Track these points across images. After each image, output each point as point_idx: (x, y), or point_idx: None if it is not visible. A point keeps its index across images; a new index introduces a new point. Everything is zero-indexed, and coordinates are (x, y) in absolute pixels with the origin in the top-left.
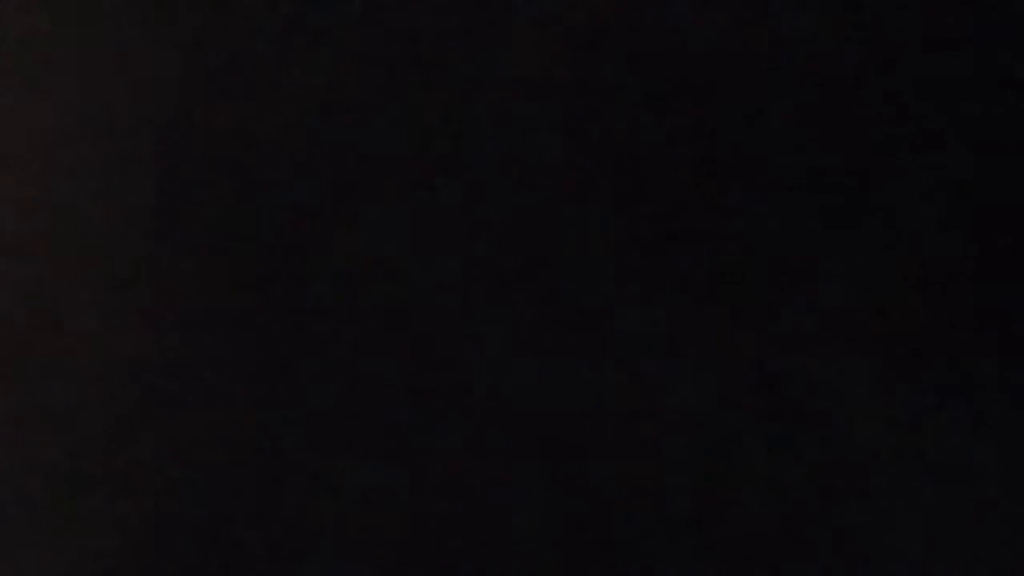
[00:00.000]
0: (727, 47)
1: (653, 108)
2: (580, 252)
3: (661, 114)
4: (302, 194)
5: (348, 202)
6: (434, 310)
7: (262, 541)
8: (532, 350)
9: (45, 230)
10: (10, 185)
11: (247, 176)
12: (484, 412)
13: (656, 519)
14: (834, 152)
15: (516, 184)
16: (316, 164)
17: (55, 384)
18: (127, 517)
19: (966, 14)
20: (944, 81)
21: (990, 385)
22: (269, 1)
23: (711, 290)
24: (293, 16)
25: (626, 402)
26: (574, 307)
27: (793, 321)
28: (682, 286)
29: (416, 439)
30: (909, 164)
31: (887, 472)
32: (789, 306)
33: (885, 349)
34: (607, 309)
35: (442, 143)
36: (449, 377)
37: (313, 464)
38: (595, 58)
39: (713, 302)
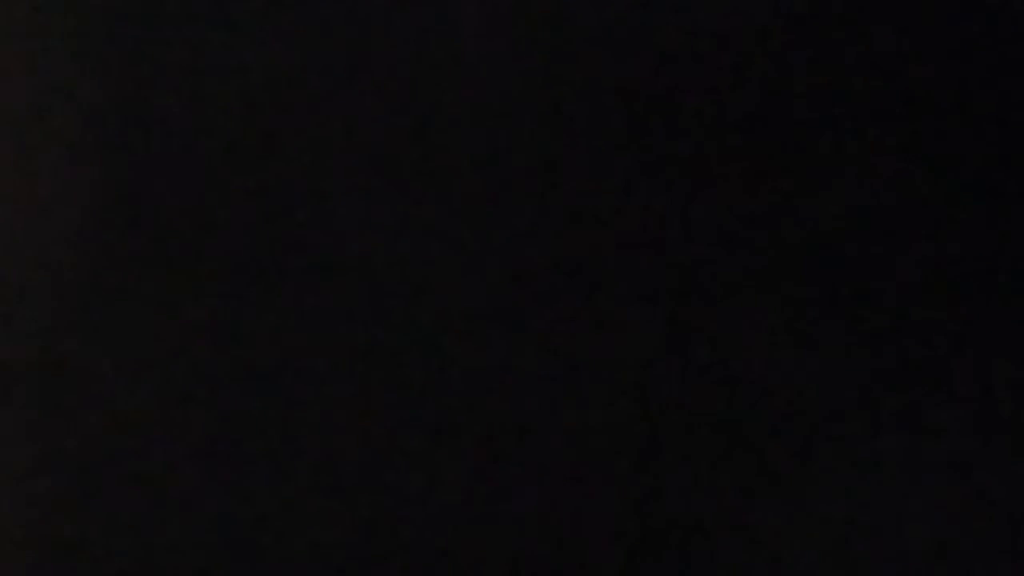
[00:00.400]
0: (705, 46)
1: (628, 107)
2: (558, 251)
3: (639, 113)
4: (268, 193)
5: (319, 200)
6: (408, 309)
7: (235, 544)
8: (515, 351)
9: None
10: None
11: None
12: (462, 410)
13: (650, 518)
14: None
15: (490, 183)
16: (283, 160)
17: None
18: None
19: (969, 14)
20: (929, 82)
21: (976, 385)
22: None
23: (687, 289)
24: (260, 8)
25: (600, 399)
26: (557, 308)
27: (779, 320)
28: (657, 287)
29: (409, 441)
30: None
31: (872, 472)
32: (774, 305)
33: (871, 349)
34: (589, 309)
35: (414, 139)
36: (426, 377)
37: (286, 465)
38: (576, 55)
39: (692, 300)
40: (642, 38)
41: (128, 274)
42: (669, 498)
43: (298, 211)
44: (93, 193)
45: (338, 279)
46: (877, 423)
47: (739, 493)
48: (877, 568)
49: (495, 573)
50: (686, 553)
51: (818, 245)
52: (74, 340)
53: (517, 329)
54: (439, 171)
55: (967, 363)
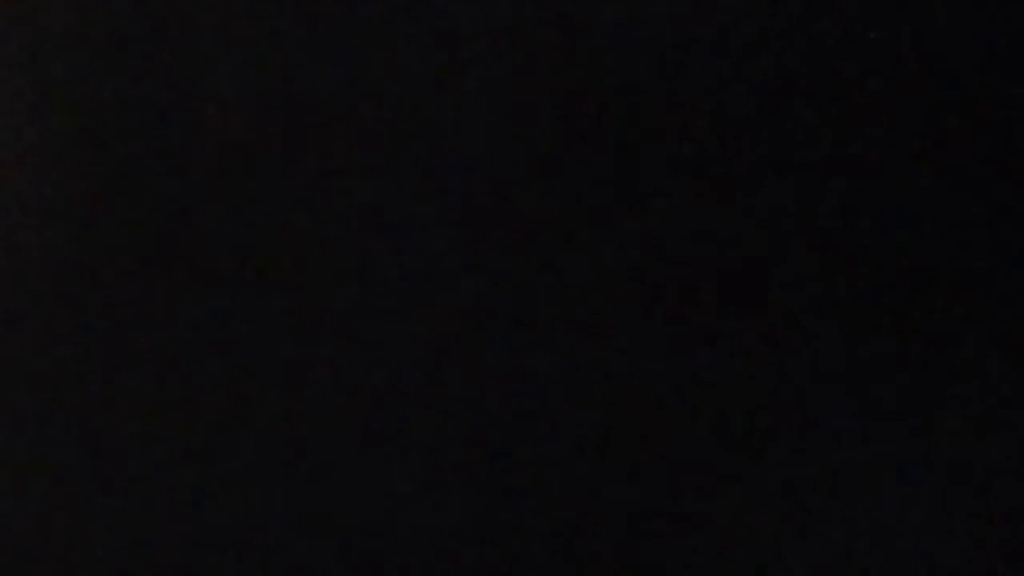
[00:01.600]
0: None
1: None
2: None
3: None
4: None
5: (318, 200)
6: (407, 309)
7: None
8: (514, 351)
9: None
10: None
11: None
12: (461, 409)
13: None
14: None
15: (489, 183)
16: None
17: None
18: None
19: (965, 14)
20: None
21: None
22: None
23: (687, 289)
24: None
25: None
26: (557, 307)
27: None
28: (657, 287)
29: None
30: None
31: (853, 471)
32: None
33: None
34: (589, 308)
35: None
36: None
37: (286, 465)
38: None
39: (692, 301)
40: (642, 38)
41: (128, 273)
42: (669, 498)
43: (297, 211)
44: (92, 192)
45: (337, 278)
46: (877, 423)
47: (739, 493)
48: (876, 568)
49: (494, 573)
50: (685, 553)
51: (818, 244)
52: (74, 339)
53: (516, 329)
54: (439, 171)
55: (967, 363)
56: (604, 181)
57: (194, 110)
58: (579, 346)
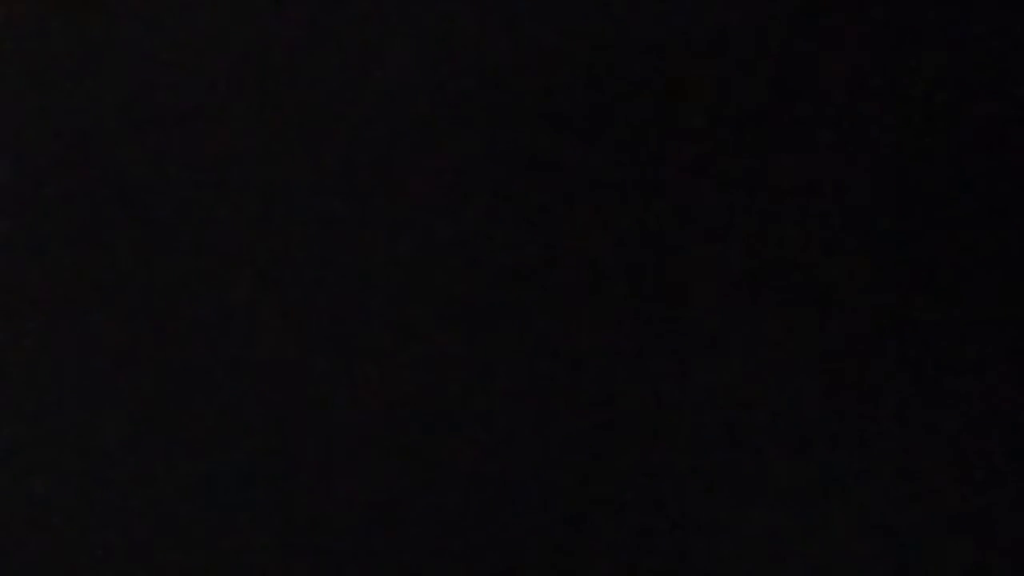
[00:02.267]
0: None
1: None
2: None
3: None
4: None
5: (316, 200)
6: (406, 309)
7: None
8: (514, 350)
9: None
10: None
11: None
12: (460, 409)
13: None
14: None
15: (489, 182)
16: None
17: None
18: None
19: (962, 14)
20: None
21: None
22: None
23: (687, 289)
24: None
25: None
26: (557, 308)
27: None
28: (656, 287)
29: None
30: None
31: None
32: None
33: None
34: (589, 308)
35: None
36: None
37: (285, 464)
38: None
39: (692, 301)
40: (642, 38)
41: (128, 273)
42: (668, 498)
43: (296, 210)
44: (92, 192)
45: (335, 278)
46: (877, 422)
47: (738, 493)
48: (876, 568)
49: (494, 573)
50: (684, 553)
51: (817, 245)
52: (73, 338)
53: (516, 328)
54: (438, 170)
55: (967, 363)
56: (604, 179)
57: (192, 112)
58: (579, 346)
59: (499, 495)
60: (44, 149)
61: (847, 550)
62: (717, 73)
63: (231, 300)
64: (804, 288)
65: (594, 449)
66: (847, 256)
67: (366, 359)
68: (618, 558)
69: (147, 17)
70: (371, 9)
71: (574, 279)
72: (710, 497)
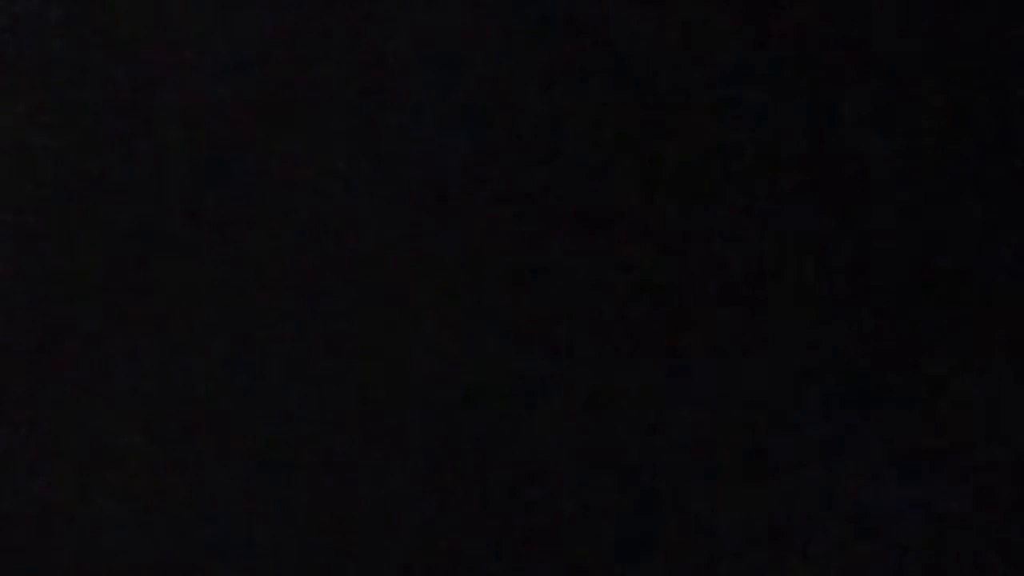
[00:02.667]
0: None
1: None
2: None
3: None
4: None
5: (316, 199)
6: (406, 308)
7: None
8: (513, 350)
9: None
10: None
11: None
12: (460, 409)
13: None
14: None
15: (488, 182)
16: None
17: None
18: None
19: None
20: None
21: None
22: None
23: (687, 289)
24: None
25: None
26: (557, 307)
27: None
28: (656, 286)
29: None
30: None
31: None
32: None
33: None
34: (589, 308)
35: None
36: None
37: (285, 464)
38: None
39: (692, 300)
40: (642, 38)
41: (128, 273)
42: (667, 498)
43: (296, 210)
44: (91, 191)
45: (334, 278)
46: (877, 422)
47: (738, 492)
48: (876, 567)
49: (494, 572)
50: (685, 553)
51: (817, 244)
52: (72, 338)
53: (516, 328)
54: (437, 170)
55: (967, 363)
56: (603, 179)
57: (190, 109)
58: (578, 345)
59: (499, 494)
60: (44, 149)
61: (847, 550)
62: (717, 75)
63: (231, 300)
64: (804, 288)
65: (594, 448)
66: (847, 256)
67: (366, 359)
68: (618, 558)
69: (147, 16)
70: (373, 10)
71: (574, 279)
72: (710, 497)
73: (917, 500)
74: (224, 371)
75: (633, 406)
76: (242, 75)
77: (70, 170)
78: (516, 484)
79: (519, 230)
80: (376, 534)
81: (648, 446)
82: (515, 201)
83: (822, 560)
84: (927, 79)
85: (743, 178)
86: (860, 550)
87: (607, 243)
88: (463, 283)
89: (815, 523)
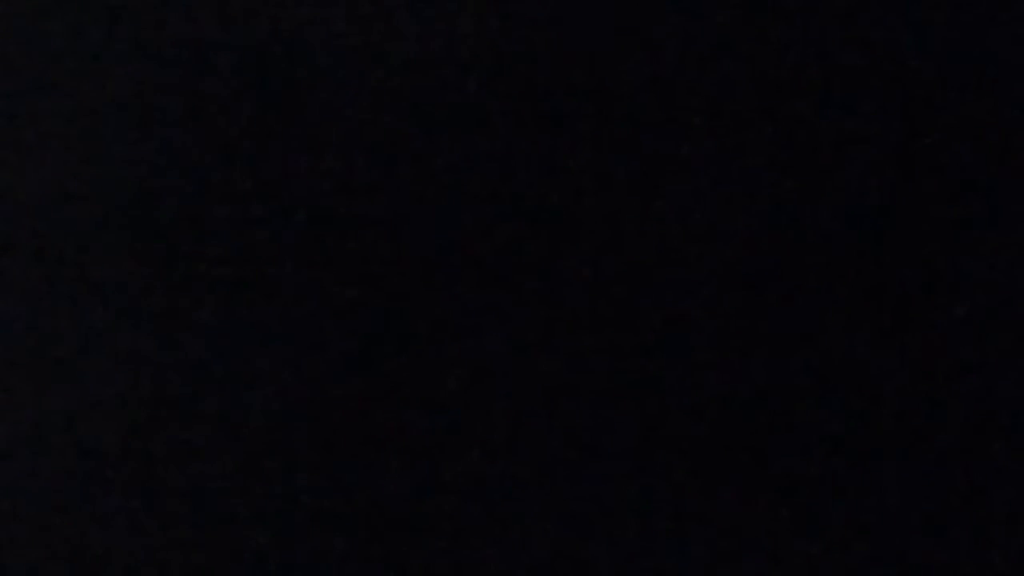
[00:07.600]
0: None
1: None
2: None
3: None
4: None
5: (317, 199)
6: (407, 308)
7: (268, 542)
8: (513, 350)
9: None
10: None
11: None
12: (460, 409)
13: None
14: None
15: (488, 183)
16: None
17: (62, 386)
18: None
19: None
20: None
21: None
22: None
23: (687, 289)
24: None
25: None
26: (557, 307)
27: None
28: (655, 286)
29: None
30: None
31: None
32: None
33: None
34: (588, 308)
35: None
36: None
37: (285, 464)
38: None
39: (691, 299)
40: (642, 39)
41: (128, 272)
42: (668, 498)
43: (297, 209)
44: (91, 191)
45: (334, 278)
46: (878, 422)
47: (739, 492)
48: (876, 567)
49: (494, 572)
50: (685, 553)
51: (817, 244)
52: (73, 337)
53: (516, 328)
54: (437, 170)
55: (968, 363)
56: (603, 179)
57: (194, 110)
58: (578, 346)
59: (498, 495)
60: (44, 148)
61: (847, 550)
62: (717, 73)
63: (231, 300)
64: (804, 288)
65: (593, 448)
66: (846, 256)
67: (366, 359)
68: (618, 558)
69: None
70: (373, 7)
71: (574, 279)
72: (709, 497)
73: (917, 500)
74: (224, 371)
75: (633, 406)
76: (242, 75)
77: (70, 169)
78: (516, 484)
79: (519, 230)
80: (376, 534)
81: (648, 446)
82: (515, 201)
83: (822, 560)
84: (927, 79)
85: (743, 178)
86: (860, 550)
87: (607, 243)
88: (462, 282)
89: (815, 523)
